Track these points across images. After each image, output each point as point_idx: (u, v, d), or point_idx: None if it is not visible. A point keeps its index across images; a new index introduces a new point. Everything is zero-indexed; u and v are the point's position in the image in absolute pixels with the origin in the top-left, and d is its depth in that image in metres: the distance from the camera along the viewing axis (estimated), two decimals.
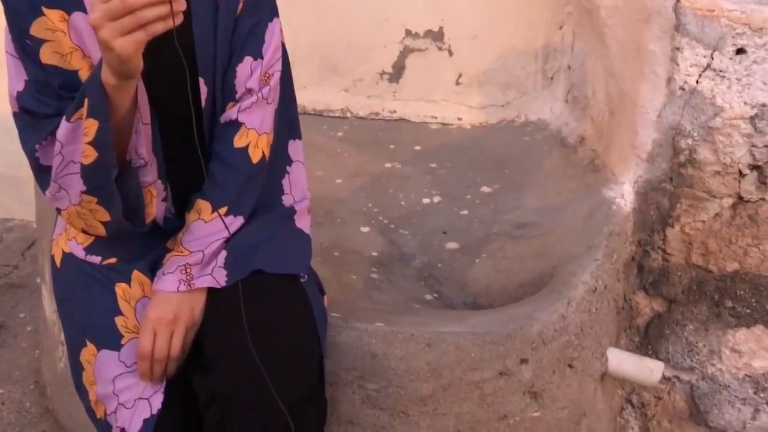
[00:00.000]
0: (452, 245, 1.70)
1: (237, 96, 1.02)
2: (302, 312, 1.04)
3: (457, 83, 2.16)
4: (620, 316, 1.66)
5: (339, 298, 1.37)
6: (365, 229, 1.73)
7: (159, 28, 0.80)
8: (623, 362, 1.33)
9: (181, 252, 1.00)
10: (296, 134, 1.16)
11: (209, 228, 1.01)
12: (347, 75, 2.19)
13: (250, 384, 0.93)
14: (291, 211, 1.12)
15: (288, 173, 1.13)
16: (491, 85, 2.14)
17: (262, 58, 1.02)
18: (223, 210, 1.01)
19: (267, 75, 1.03)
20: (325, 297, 1.16)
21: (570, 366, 1.24)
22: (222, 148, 1.03)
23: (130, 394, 0.98)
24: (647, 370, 1.29)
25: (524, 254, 1.59)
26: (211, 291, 1.02)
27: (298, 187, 1.14)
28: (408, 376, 1.12)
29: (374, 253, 1.65)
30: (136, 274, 1.04)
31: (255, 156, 1.03)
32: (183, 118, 0.94)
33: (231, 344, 0.96)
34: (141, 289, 1.04)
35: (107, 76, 0.84)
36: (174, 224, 1.06)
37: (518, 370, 1.16)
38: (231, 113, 1.02)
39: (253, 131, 1.03)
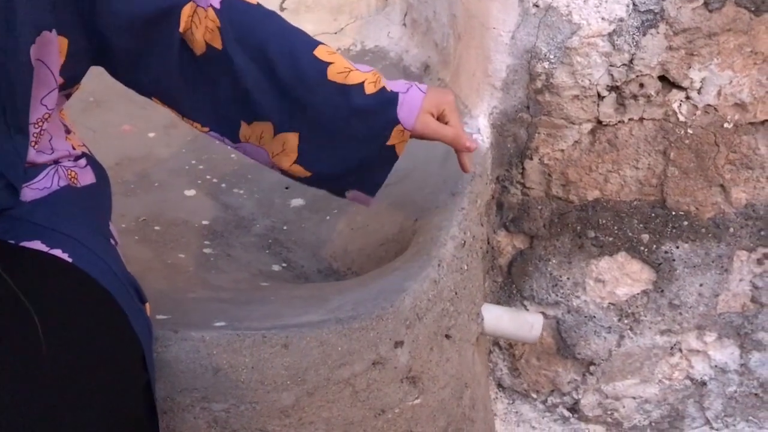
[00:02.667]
0: (297, 202, 1.48)
1: None
2: (111, 333, 0.78)
3: (282, 9, 1.89)
4: (485, 261, 1.54)
5: (165, 290, 1.11)
6: (190, 193, 1.46)
7: None
8: (500, 319, 1.20)
9: None
10: None
11: None
12: None
13: None
14: None
15: None
16: (321, 11, 1.89)
17: None
18: None
19: None
20: (147, 305, 0.90)
21: (447, 336, 1.09)
22: None
23: None
24: (526, 325, 1.18)
25: (381, 206, 1.40)
26: None
27: None
28: (263, 388, 0.91)
29: (205, 222, 1.39)
30: None
31: None
32: None
33: None
34: None
35: None
36: None
37: (393, 355, 0.99)
38: None
39: None
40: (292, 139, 0.98)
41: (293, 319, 0.98)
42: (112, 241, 0.92)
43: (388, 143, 1.01)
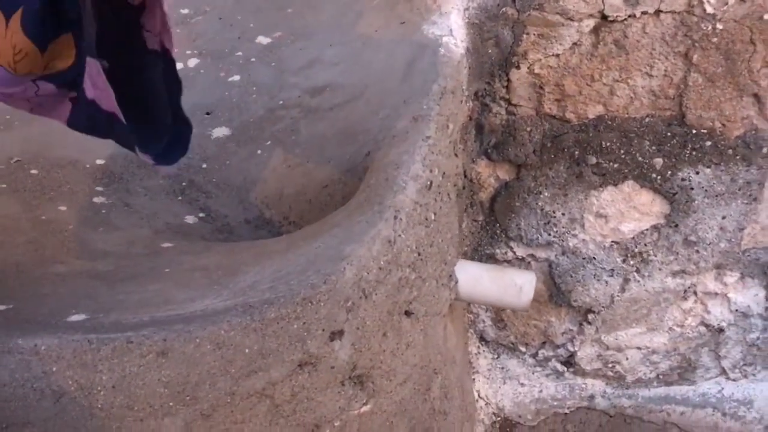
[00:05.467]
0: (221, 131, 1.17)
1: None
2: None
3: None
4: (461, 198, 1.25)
5: (23, 262, 0.82)
6: None
7: None
8: (479, 280, 0.92)
9: None
10: None
11: None
12: None
13: None
14: None
15: None
16: None
17: None
18: None
19: None
20: None
21: (408, 314, 0.81)
22: None
23: None
24: (513, 287, 0.90)
25: (325, 135, 1.10)
26: None
27: None
28: (132, 415, 0.62)
29: (99, 161, 1.09)
30: None
31: None
32: None
33: None
34: None
35: None
36: None
37: (328, 351, 0.70)
38: None
39: None
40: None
41: (183, 307, 0.68)
42: None
43: None
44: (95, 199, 1.02)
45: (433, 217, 0.89)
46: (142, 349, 0.63)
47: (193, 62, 1.30)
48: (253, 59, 1.29)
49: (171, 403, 0.64)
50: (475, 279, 0.93)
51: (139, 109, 0.78)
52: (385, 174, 0.89)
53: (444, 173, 0.97)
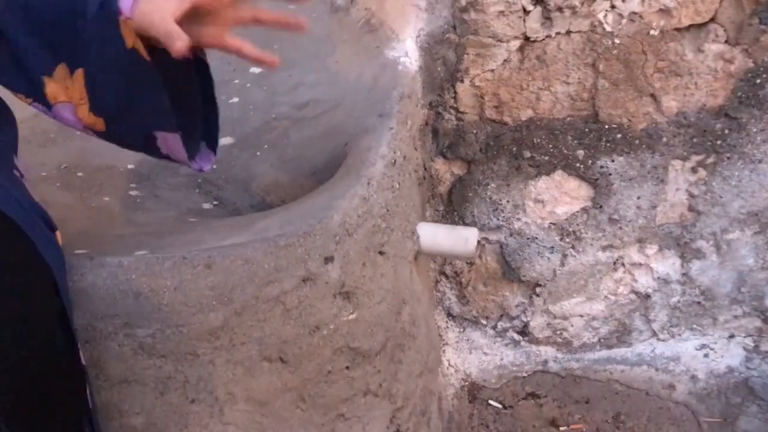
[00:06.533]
0: (226, 140, 1.44)
1: None
2: (17, 260, 0.75)
3: None
4: (423, 188, 1.53)
5: (87, 229, 1.07)
6: None
7: None
8: (436, 236, 1.19)
9: None
10: None
11: None
12: None
13: None
14: None
15: None
16: None
17: None
18: None
19: None
20: (57, 233, 0.86)
21: (381, 253, 1.07)
22: None
23: None
24: (461, 239, 1.17)
25: (312, 137, 1.37)
26: None
27: None
28: (187, 310, 0.88)
29: (131, 166, 1.35)
30: None
31: None
32: None
33: None
34: None
35: None
36: None
37: (324, 271, 0.97)
38: None
39: None
40: (78, 77, 0.83)
41: (217, 242, 0.95)
42: (17, 173, 0.88)
43: (127, 45, 0.81)
44: (131, 192, 1.28)
45: (397, 186, 1.17)
46: (193, 263, 0.89)
47: None
48: (248, 84, 1.57)
49: (214, 302, 0.90)
50: (433, 234, 1.20)
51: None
52: (360, 155, 1.17)
53: (405, 156, 1.25)
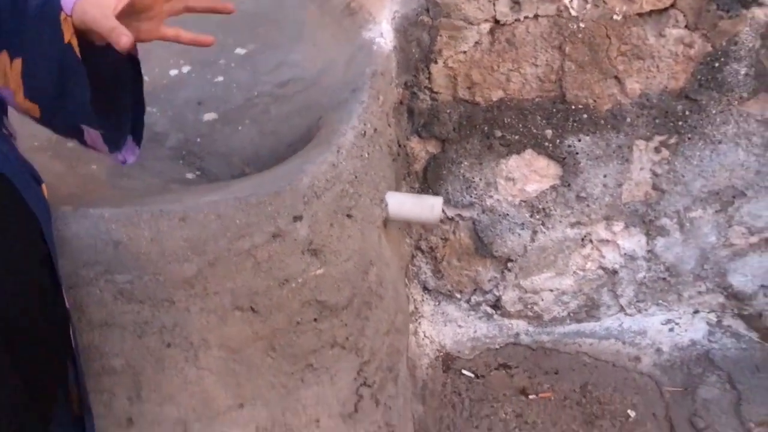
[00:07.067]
0: (210, 116, 1.51)
1: None
2: (5, 209, 0.82)
3: None
4: (397, 164, 1.61)
5: (75, 192, 1.15)
6: None
7: None
8: (403, 204, 1.27)
9: None
10: None
11: None
12: None
13: None
14: None
15: None
16: None
17: None
18: None
19: None
20: (44, 185, 0.94)
21: (348, 216, 1.15)
22: None
23: None
24: (427, 206, 1.24)
25: (290, 112, 1.45)
26: None
27: None
28: (164, 260, 0.96)
29: None
30: None
31: None
32: None
33: None
34: None
35: None
36: None
37: (293, 228, 1.04)
38: None
39: None
40: (16, 66, 0.86)
41: (193, 200, 1.02)
42: (5, 131, 0.96)
43: (65, 40, 0.85)
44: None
45: (366, 156, 1.25)
46: (169, 215, 0.97)
47: (186, 68, 1.65)
48: (233, 65, 1.65)
49: (189, 253, 0.98)
50: (401, 202, 1.28)
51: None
52: (332, 127, 1.25)
53: (376, 129, 1.32)
